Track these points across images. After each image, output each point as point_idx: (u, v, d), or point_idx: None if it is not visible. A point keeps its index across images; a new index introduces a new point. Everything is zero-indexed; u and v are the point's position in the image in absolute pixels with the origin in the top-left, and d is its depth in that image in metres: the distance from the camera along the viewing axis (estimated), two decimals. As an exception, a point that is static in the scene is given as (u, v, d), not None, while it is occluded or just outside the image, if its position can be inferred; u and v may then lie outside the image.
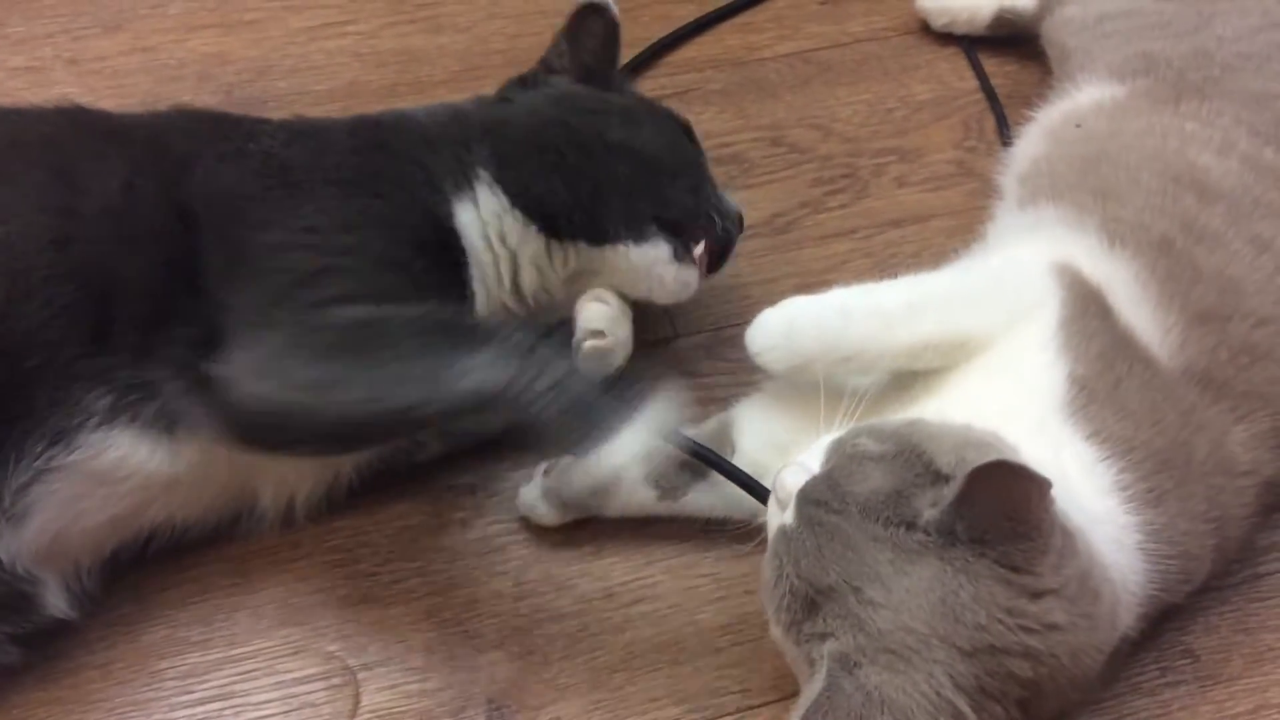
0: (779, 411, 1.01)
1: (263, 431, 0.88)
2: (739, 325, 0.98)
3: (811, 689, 0.76)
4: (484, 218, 1.02)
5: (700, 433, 1.03)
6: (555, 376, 0.82)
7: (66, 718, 0.94)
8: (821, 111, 1.39)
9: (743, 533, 0.96)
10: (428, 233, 0.98)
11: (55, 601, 0.94)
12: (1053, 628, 0.75)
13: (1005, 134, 1.36)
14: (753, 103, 1.40)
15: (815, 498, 0.80)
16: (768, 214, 1.29)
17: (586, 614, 1.01)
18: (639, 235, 1.02)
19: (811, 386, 0.92)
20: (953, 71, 1.44)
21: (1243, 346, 0.91)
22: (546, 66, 1.12)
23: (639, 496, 1.02)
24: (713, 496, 1.01)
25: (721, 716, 0.96)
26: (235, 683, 0.96)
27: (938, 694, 0.74)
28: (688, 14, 1.46)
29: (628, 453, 0.83)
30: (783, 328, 0.94)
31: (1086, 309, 0.92)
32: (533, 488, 1.02)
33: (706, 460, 1.00)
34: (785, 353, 0.93)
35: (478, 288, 1.02)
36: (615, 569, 1.03)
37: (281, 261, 0.92)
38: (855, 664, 0.75)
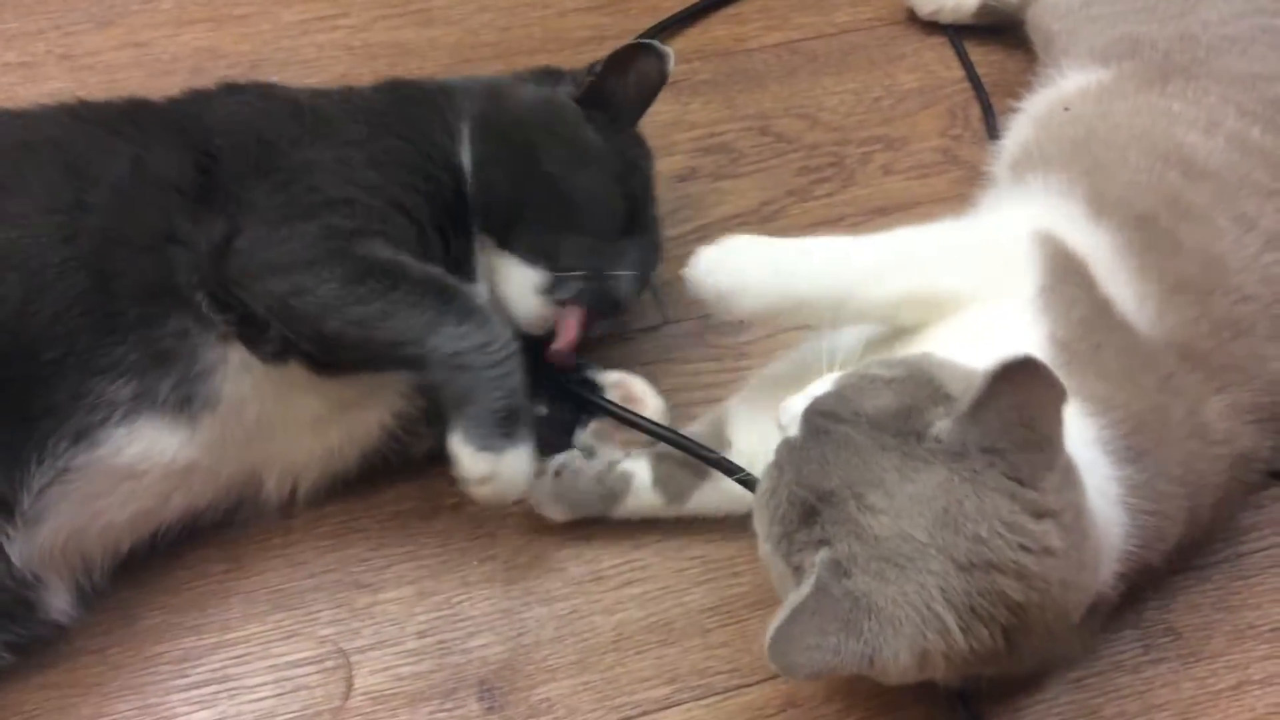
0: (772, 406, 1.02)
1: (262, 302, 0.92)
2: (729, 314, 1.00)
3: (798, 594, 0.76)
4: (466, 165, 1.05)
5: (696, 431, 1.05)
6: (515, 380, 0.93)
7: (63, 701, 0.95)
8: (808, 101, 1.40)
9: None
10: (443, 177, 1.02)
11: (57, 604, 0.95)
12: (1048, 551, 0.76)
13: (991, 122, 1.37)
14: (740, 93, 1.41)
15: (823, 409, 0.81)
16: (755, 202, 1.30)
17: (576, 596, 1.02)
18: (525, 257, 1.03)
19: (803, 379, 0.93)
20: (939, 60, 1.45)
21: (1224, 321, 0.92)
22: (575, 76, 1.11)
23: (646, 501, 1.03)
24: (717, 497, 1.03)
25: (710, 696, 0.97)
26: (229, 666, 0.97)
27: (927, 606, 0.75)
28: (676, 5, 1.47)
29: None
30: (764, 267, 0.94)
31: (1067, 276, 0.93)
32: (544, 484, 1.03)
33: (703, 458, 1.01)
34: (763, 294, 0.94)
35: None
36: (605, 552, 1.04)
37: (312, 179, 0.97)
38: (847, 571, 0.76)
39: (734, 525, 1.00)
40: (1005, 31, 1.44)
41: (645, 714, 0.96)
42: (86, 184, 0.94)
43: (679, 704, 0.97)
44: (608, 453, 1.05)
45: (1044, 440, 0.76)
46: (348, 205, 0.97)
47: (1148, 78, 1.12)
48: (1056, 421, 0.76)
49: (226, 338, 0.94)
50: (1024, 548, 0.75)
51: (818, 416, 0.81)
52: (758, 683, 0.98)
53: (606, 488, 1.02)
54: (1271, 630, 1.02)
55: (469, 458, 0.93)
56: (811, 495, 0.79)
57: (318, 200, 0.96)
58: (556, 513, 1.03)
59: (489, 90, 1.09)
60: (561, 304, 1.03)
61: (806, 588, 0.76)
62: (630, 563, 1.04)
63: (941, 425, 0.77)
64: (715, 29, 1.47)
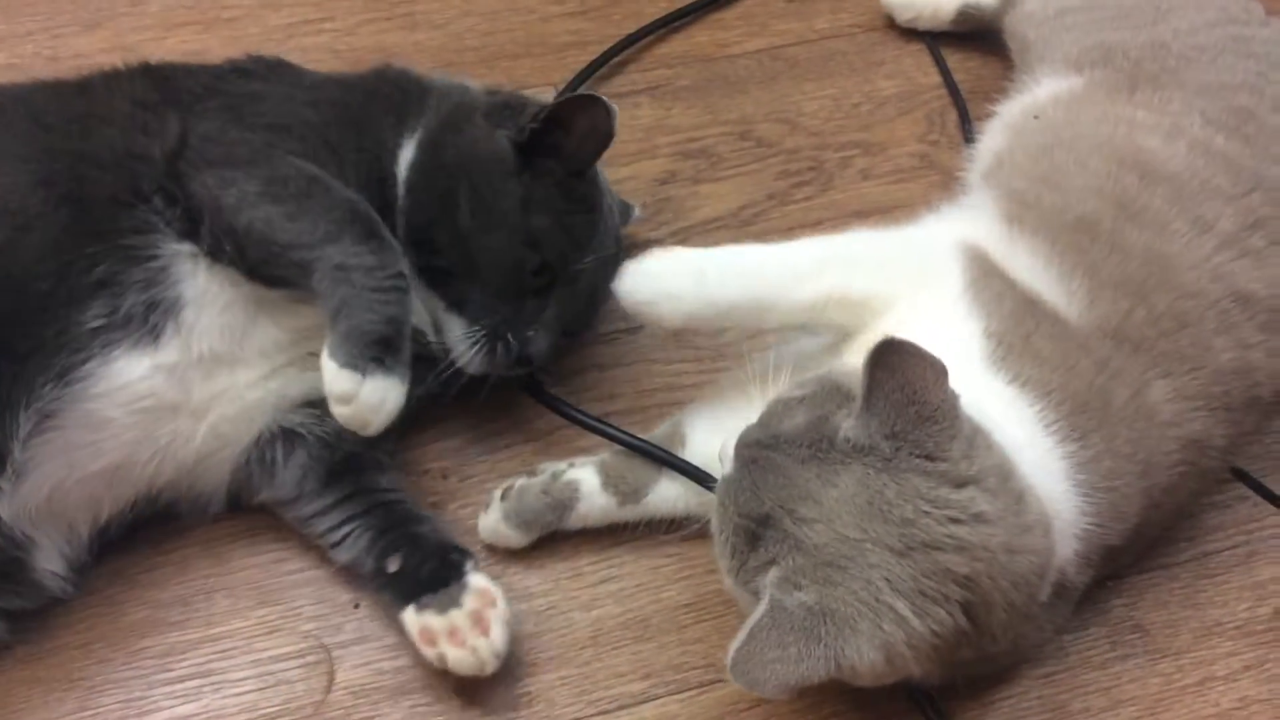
0: (726, 407, 1.05)
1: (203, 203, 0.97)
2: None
3: (753, 615, 0.78)
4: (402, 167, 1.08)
5: (653, 435, 1.07)
6: (397, 311, 0.95)
7: (48, 696, 0.96)
8: (788, 106, 1.42)
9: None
10: (374, 170, 1.06)
11: (48, 565, 0.96)
12: (979, 518, 0.79)
13: (967, 128, 1.39)
14: (721, 98, 1.42)
15: (748, 441, 0.84)
16: (735, 206, 1.32)
17: (554, 592, 1.04)
18: (450, 305, 1.05)
19: (754, 382, 0.96)
20: (917, 67, 1.47)
21: (1166, 313, 0.95)
22: (520, 122, 1.08)
23: (600, 506, 1.04)
24: (673, 494, 1.05)
25: (686, 690, 0.99)
26: (213, 661, 0.99)
27: (876, 599, 0.77)
28: (658, 12, 1.48)
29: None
30: (694, 274, 0.96)
31: (990, 274, 0.96)
32: (492, 513, 1.04)
33: (653, 456, 1.03)
34: (692, 300, 0.96)
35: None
36: (583, 549, 1.06)
37: (260, 105, 1.04)
38: (796, 584, 0.79)
39: (708, 524, 1.02)
40: (982, 38, 1.46)
41: (622, 708, 0.98)
42: (50, 132, 0.99)
43: (655, 698, 0.99)
44: (551, 465, 1.06)
45: (937, 411, 0.79)
46: (286, 130, 1.03)
47: (1117, 85, 1.15)
48: (942, 390, 0.79)
49: (180, 237, 0.97)
50: (953, 519, 0.78)
51: (745, 448, 0.84)
52: (732, 678, 0.99)
53: (554, 498, 1.03)
54: (1236, 627, 1.04)
55: (332, 372, 0.94)
56: (751, 522, 0.82)
57: (260, 121, 1.03)
58: (514, 537, 1.04)
59: (449, 114, 1.09)
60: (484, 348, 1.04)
61: (762, 607, 0.78)
62: (608, 560, 1.06)
63: (847, 426, 0.80)
64: (697, 35, 1.49)
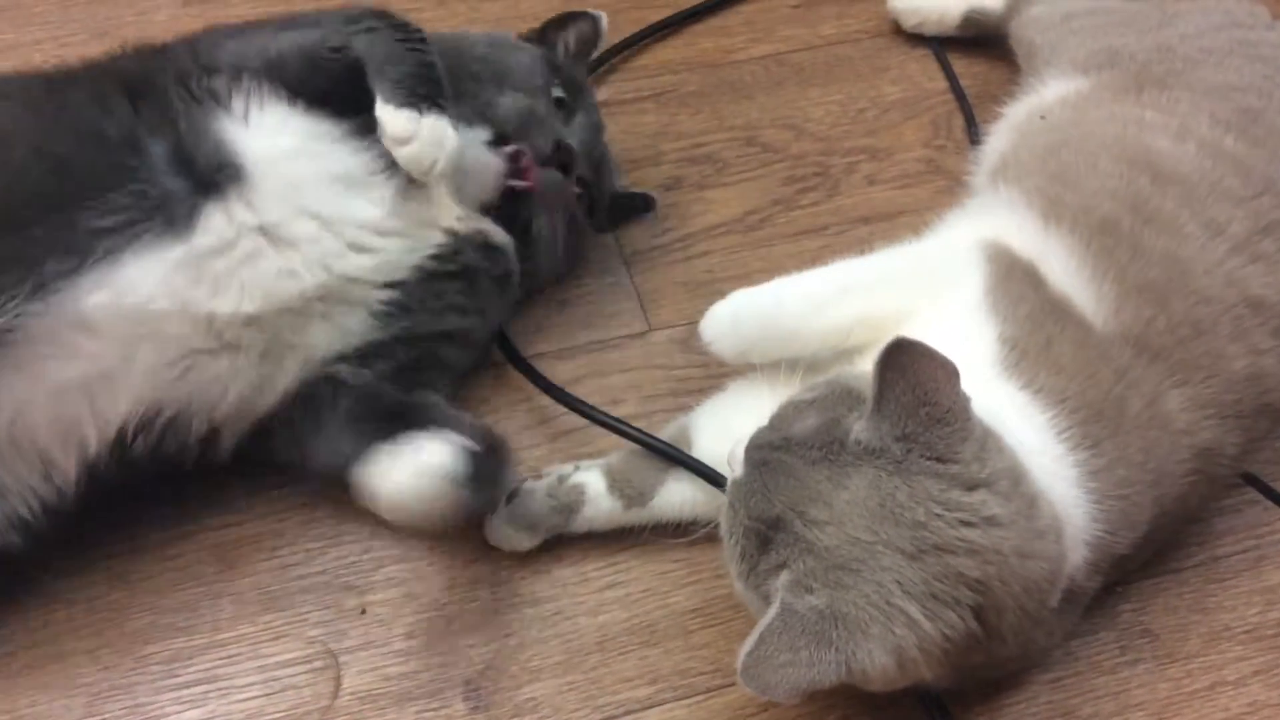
0: (733, 409, 1.05)
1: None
2: (711, 319, 1.02)
3: (764, 619, 0.78)
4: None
5: (661, 436, 1.06)
6: (431, 58, 1.02)
7: (54, 702, 0.96)
8: (794, 112, 1.42)
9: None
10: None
11: (11, 509, 0.92)
12: (991, 521, 0.78)
13: (974, 133, 1.39)
14: (727, 104, 1.43)
15: (759, 444, 0.84)
16: (741, 211, 1.32)
17: (561, 598, 1.03)
18: (469, 120, 1.08)
19: (763, 383, 0.98)
20: (922, 72, 1.47)
21: (1184, 320, 0.95)
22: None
23: (605, 509, 1.04)
24: (679, 497, 1.04)
25: (692, 696, 0.99)
26: (219, 667, 0.99)
27: (888, 602, 0.77)
28: (659, 18, 1.49)
29: None
30: (729, 318, 1.00)
31: (1011, 277, 0.95)
32: (498, 517, 1.04)
33: (660, 452, 1.03)
34: (733, 339, 0.99)
35: None
36: (589, 554, 1.06)
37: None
38: (808, 587, 0.78)
39: (715, 529, 1.02)
40: (988, 43, 1.46)
41: (628, 713, 0.98)
42: (63, 81, 1.02)
43: (661, 704, 0.98)
44: (557, 468, 1.06)
45: (948, 413, 0.78)
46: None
47: (1124, 87, 1.14)
48: (953, 392, 0.79)
49: (225, 106, 0.98)
50: (964, 522, 0.77)
51: (755, 451, 0.84)
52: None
53: (560, 501, 1.04)
54: (1245, 632, 1.04)
55: (390, 115, 0.97)
56: (762, 525, 0.81)
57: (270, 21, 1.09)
58: (521, 540, 1.04)
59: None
60: (512, 156, 1.10)
61: (773, 611, 0.78)
62: (614, 565, 1.05)
63: (858, 428, 0.80)
64: (702, 41, 1.49)
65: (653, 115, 1.40)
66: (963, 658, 0.82)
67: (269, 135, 0.98)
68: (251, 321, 0.96)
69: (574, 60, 1.24)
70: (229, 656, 0.99)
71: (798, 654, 0.76)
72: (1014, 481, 0.81)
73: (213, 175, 0.95)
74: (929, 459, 0.78)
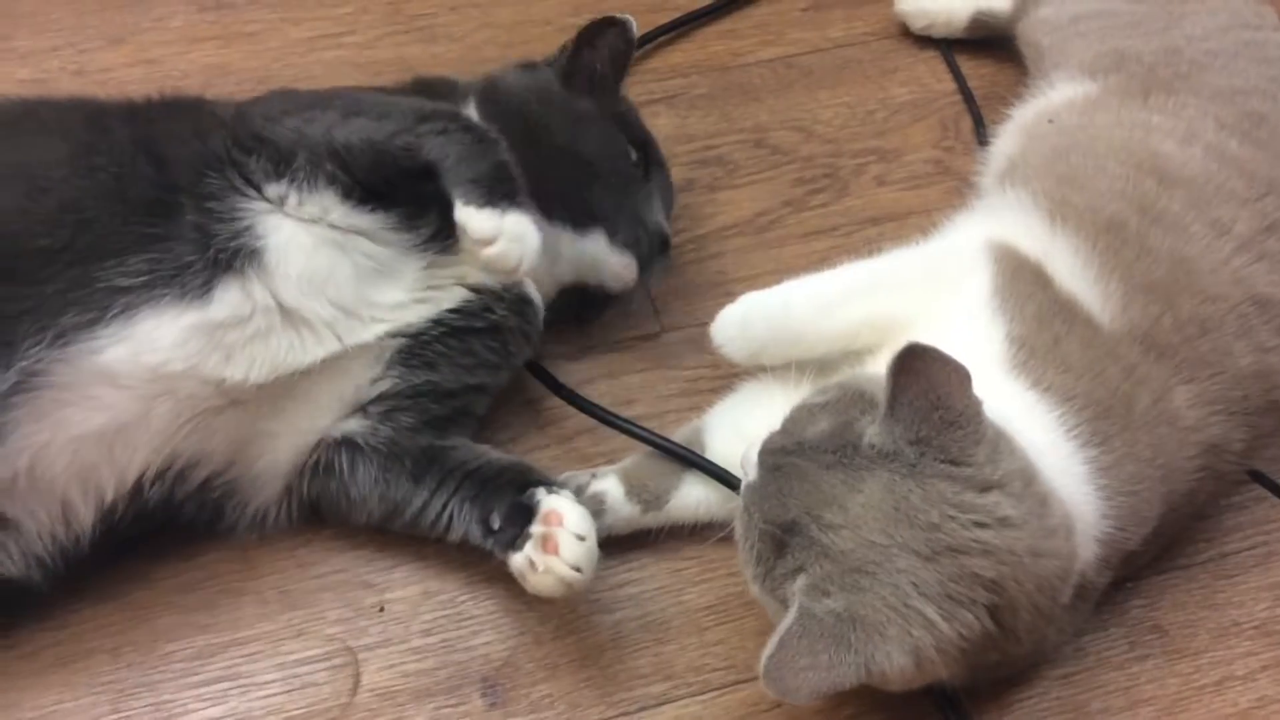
0: (745, 410, 1.06)
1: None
2: (722, 320, 1.04)
3: (783, 623, 0.79)
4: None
5: (674, 438, 1.08)
6: (504, 156, 1.00)
7: (79, 699, 0.98)
8: (803, 114, 1.43)
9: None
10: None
11: (22, 551, 0.93)
12: (1004, 522, 0.80)
13: (982, 134, 1.40)
14: (737, 106, 1.44)
15: (772, 448, 0.85)
16: (751, 213, 1.33)
17: (576, 596, 1.04)
18: (581, 225, 1.11)
19: (775, 385, 1.00)
20: (931, 74, 1.48)
21: (1191, 318, 0.96)
22: (548, 61, 1.21)
23: (625, 515, 1.05)
24: (695, 498, 1.06)
25: (707, 692, 1.00)
26: (240, 664, 1.00)
27: (904, 604, 0.78)
28: (671, 19, 1.50)
29: None
30: (739, 321, 1.02)
31: (1018, 276, 0.97)
32: None
33: (674, 454, 1.05)
34: (743, 343, 1.02)
35: None
36: (603, 553, 1.04)
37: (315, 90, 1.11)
38: (825, 591, 0.79)
39: (729, 528, 1.03)
40: (996, 44, 1.47)
41: (643, 709, 0.99)
42: (108, 114, 1.02)
43: (676, 700, 1.00)
44: (573, 477, 1.07)
45: (960, 416, 0.80)
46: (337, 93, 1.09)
47: (1131, 90, 1.15)
48: (966, 395, 0.80)
49: (260, 191, 0.98)
50: (978, 524, 0.78)
51: (769, 455, 0.85)
52: (753, 679, 0.99)
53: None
54: (1254, 627, 1.05)
55: (473, 216, 0.96)
56: (777, 529, 0.83)
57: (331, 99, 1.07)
58: None
59: (487, 79, 1.17)
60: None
61: (791, 615, 0.79)
62: (628, 563, 1.07)
63: (871, 432, 0.81)
64: (712, 44, 1.50)
65: (664, 118, 1.41)
66: (979, 656, 0.83)
67: (301, 226, 0.99)
68: (261, 388, 0.98)
69: (611, 78, 1.20)
70: (250, 654, 1.01)
71: (817, 657, 0.77)
72: (1026, 482, 0.82)
73: (232, 255, 0.95)
74: (942, 462, 0.79)
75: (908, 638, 0.78)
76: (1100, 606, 1.00)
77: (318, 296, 0.98)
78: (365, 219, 1.00)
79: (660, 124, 1.40)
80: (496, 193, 0.96)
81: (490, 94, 1.14)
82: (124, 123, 1.01)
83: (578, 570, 0.93)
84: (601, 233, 1.11)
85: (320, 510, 1.05)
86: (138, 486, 0.96)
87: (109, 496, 0.95)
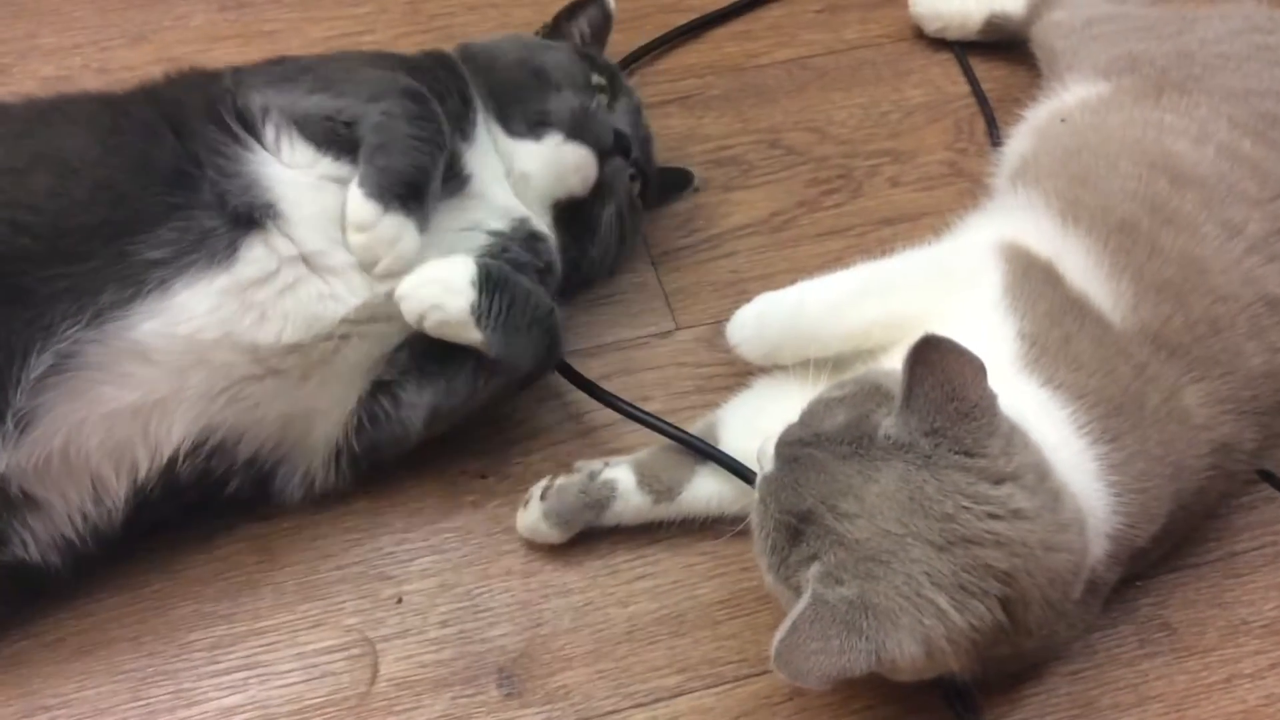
0: (760, 406, 1.07)
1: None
2: (737, 318, 1.06)
3: (796, 608, 0.80)
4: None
5: (692, 431, 1.09)
6: (429, 161, 1.02)
7: (100, 687, 0.99)
8: (818, 115, 1.44)
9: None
10: (442, 72, 1.14)
11: (41, 534, 0.95)
12: (1018, 514, 0.80)
13: (995, 135, 1.41)
14: (752, 107, 1.45)
15: (789, 440, 0.86)
16: (766, 213, 1.35)
17: (591, 589, 1.06)
18: (536, 131, 1.14)
19: (789, 381, 1.01)
20: (944, 76, 1.49)
21: (1202, 318, 0.97)
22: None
23: (635, 504, 1.06)
24: (707, 491, 1.07)
25: (720, 684, 1.01)
26: (259, 654, 1.01)
27: (918, 593, 0.79)
28: (686, 21, 1.51)
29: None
30: (753, 322, 1.04)
31: (1029, 275, 0.98)
32: (531, 511, 1.06)
33: (693, 447, 1.06)
34: (757, 342, 1.04)
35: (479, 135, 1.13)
36: (618, 546, 1.08)
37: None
38: (838, 579, 0.80)
39: (743, 523, 1.04)
40: (1009, 47, 1.48)
41: (657, 701, 1.00)
42: (120, 99, 1.05)
43: (690, 692, 1.01)
44: (588, 464, 1.08)
45: (976, 408, 0.81)
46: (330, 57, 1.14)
47: (1144, 92, 1.16)
48: (981, 387, 0.81)
49: (260, 135, 1.01)
50: (992, 515, 0.79)
51: (786, 447, 0.86)
52: (766, 672, 1.01)
53: (591, 497, 1.06)
54: (1263, 626, 1.06)
55: (355, 200, 0.99)
56: (793, 518, 0.84)
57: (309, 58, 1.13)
58: (552, 534, 1.06)
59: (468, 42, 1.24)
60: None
61: (804, 600, 0.80)
62: (643, 557, 1.08)
63: (887, 423, 0.82)
64: (727, 45, 1.51)
65: (678, 119, 1.42)
66: (989, 648, 0.84)
67: (301, 172, 1.01)
68: (293, 349, 0.99)
69: (592, 47, 1.28)
70: (269, 644, 1.02)
71: (829, 642, 0.78)
72: (1039, 475, 0.83)
73: (248, 211, 0.97)
74: (957, 453, 0.80)
75: (920, 626, 0.79)
76: (1110, 604, 1.01)
77: (337, 240, 1.00)
78: (353, 166, 1.02)
79: (675, 125, 1.42)
80: (390, 191, 0.98)
81: (469, 49, 1.20)
82: (143, 104, 1.04)
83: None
84: (555, 132, 1.13)
85: (380, 454, 1.06)
86: (172, 461, 0.97)
87: (142, 473, 0.96)
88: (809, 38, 1.53)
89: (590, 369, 1.17)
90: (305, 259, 0.99)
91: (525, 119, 1.14)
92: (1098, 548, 0.89)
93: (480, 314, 0.99)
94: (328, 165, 1.02)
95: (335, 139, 1.02)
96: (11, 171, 0.95)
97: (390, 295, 1.01)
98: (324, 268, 1.00)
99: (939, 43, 1.52)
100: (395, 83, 1.05)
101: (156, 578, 1.04)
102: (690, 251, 1.30)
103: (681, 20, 1.51)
